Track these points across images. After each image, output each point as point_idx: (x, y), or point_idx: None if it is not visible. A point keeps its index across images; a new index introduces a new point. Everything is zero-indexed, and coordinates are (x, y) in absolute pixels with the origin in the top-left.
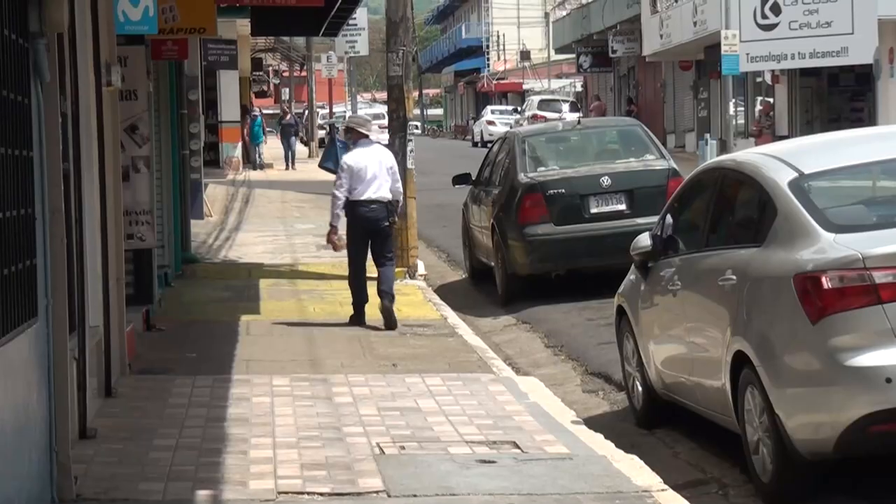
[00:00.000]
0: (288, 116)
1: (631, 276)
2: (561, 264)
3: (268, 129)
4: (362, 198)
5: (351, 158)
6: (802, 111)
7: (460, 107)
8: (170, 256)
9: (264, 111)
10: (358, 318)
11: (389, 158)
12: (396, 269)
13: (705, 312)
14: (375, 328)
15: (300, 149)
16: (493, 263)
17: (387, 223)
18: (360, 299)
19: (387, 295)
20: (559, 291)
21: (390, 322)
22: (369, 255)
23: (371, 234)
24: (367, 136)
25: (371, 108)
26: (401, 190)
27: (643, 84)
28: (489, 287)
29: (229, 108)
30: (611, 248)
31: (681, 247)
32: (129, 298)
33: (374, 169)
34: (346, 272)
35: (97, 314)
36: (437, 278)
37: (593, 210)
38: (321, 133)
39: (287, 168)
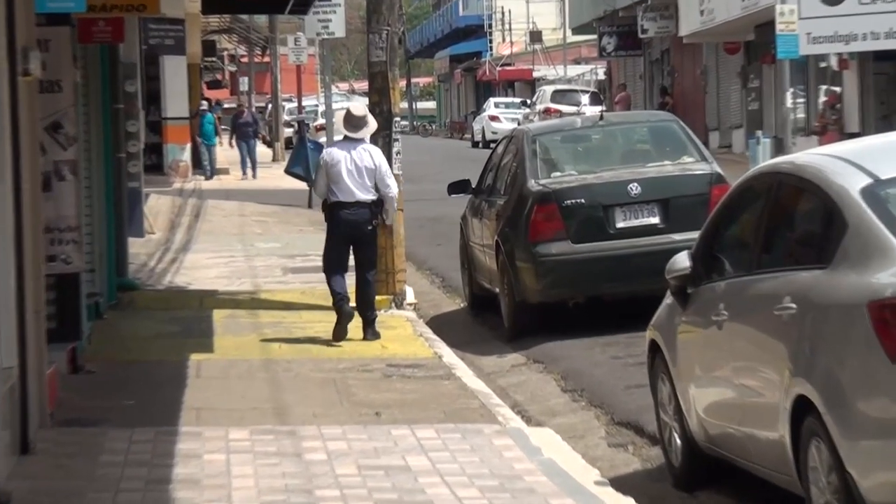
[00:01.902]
0: (245, 113)
1: (666, 304)
2: (580, 290)
3: (223, 127)
4: (342, 199)
5: (328, 153)
6: (877, 103)
7: (457, 99)
8: (102, 282)
9: (224, 105)
10: (339, 332)
11: (375, 157)
12: (380, 297)
13: (758, 349)
14: (350, 339)
15: (262, 151)
16: (497, 289)
17: (370, 226)
18: (342, 306)
19: (369, 321)
20: (578, 323)
21: (371, 335)
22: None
23: (353, 239)
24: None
25: (348, 102)
26: (393, 190)
27: (680, 70)
28: (493, 318)
29: (175, 102)
30: (641, 270)
31: (727, 269)
32: (52, 334)
33: (352, 167)
34: (319, 301)
35: (10, 353)
36: (429, 308)
37: (619, 224)
38: (288, 132)
39: (245, 176)
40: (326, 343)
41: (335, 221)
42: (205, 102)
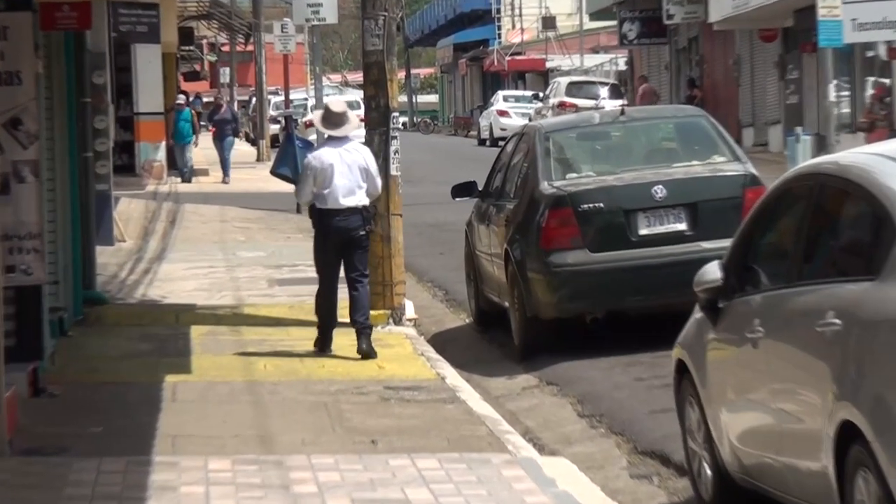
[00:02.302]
0: (223, 108)
1: (695, 320)
2: (599, 304)
3: (202, 123)
4: (331, 206)
5: (315, 157)
6: None
7: (462, 92)
8: (67, 296)
9: (203, 99)
10: (323, 342)
11: (365, 157)
12: (377, 312)
13: (798, 369)
14: (344, 357)
15: (245, 150)
16: (506, 304)
17: (363, 232)
18: (327, 323)
19: (364, 329)
20: (596, 341)
21: (370, 353)
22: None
23: (344, 247)
24: (341, 132)
25: (341, 95)
26: (378, 186)
27: (710, 60)
28: (502, 335)
29: (148, 96)
30: (667, 282)
31: (763, 280)
32: (10, 353)
33: (344, 170)
34: (309, 316)
35: None
36: (431, 324)
37: (642, 231)
38: (274, 129)
39: (227, 179)
40: (317, 363)
41: (324, 230)
42: (181, 96)
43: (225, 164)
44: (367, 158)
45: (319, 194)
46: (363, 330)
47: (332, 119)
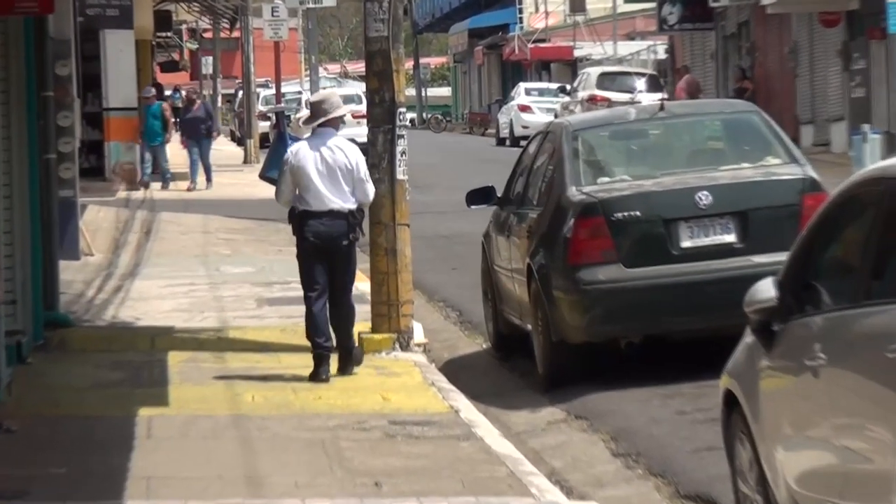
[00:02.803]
0: (196, 105)
1: (745, 345)
2: (635, 327)
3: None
4: (312, 208)
5: (293, 154)
6: None
7: (478, 84)
8: (25, 318)
9: (183, 92)
10: (318, 371)
11: (351, 154)
12: (381, 336)
13: (866, 401)
14: (343, 388)
15: (231, 151)
16: (529, 326)
17: (346, 241)
18: (319, 342)
19: (345, 353)
20: (632, 369)
21: (347, 366)
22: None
23: (327, 253)
24: (334, 123)
25: (340, 88)
26: (367, 194)
27: (762, 48)
28: (524, 362)
29: (120, 89)
30: (713, 302)
31: (825, 300)
32: None
33: (323, 168)
34: (303, 340)
35: None
36: (443, 349)
37: (685, 243)
38: (264, 126)
39: (192, 186)
40: (312, 394)
41: (304, 235)
42: (151, 89)
43: (204, 170)
44: (354, 158)
45: (300, 195)
46: (348, 352)
47: (312, 110)
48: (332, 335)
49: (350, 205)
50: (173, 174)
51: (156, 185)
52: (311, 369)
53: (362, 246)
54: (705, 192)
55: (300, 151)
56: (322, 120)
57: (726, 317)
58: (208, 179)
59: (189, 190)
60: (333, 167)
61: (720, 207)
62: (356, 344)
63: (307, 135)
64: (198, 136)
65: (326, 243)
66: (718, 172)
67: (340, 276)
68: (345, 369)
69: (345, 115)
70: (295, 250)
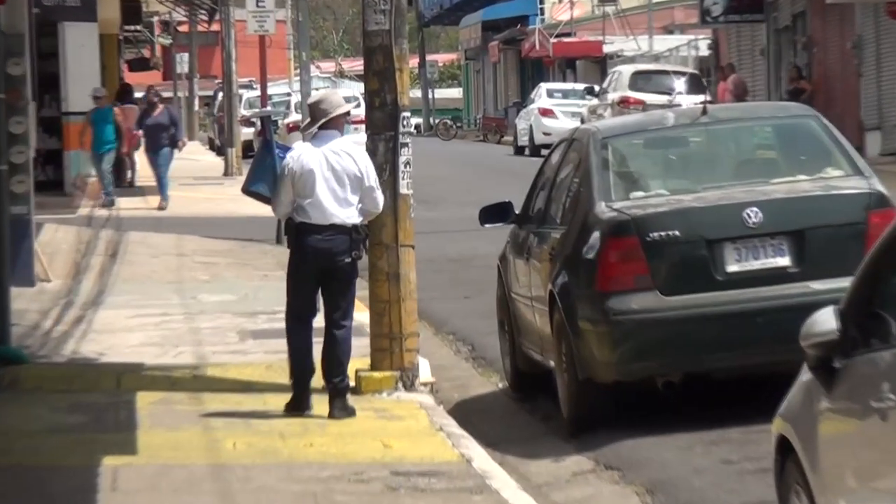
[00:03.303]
0: (159, 110)
1: (802, 384)
2: (674, 364)
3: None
4: (313, 221)
5: (295, 159)
6: None
7: (493, 85)
8: None
9: (160, 92)
10: (297, 402)
11: (359, 160)
12: (382, 374)
13: None
14: (338, 432)
15: (210, 162)
16: (552, 363)
17: (349, 259)
18: (301, 370)
19: (338, 393)
20: (671, 412)
21: (340, 410)
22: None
23: (324, 273)
24: (337, 124)
25: (335, 89)
26: (378, 203)
27: (821, 43)
28: (546, 404)
29: (81, 90)
30: (764, 334)
31: (895, 332)
32: None
33: (330, 176)
34: (288, 378)
35: None
36: (453, 389)
37: (731, 268)
38: (247, 133)
39: (163, 204)
40: (303, 440)
41: (302, 251)
42: (100, 88)
43: (161, 184)
44: (362, 163)
45: (299, 205)
46: (338, 393)
47: (312, 115)
48: (313, 361)
49: (354, 219)
50: (142, 188)
51: (126, 201)
52: (301, 411)
53: (360, 270)
54: (755, 209)
55: (304, 155)
56: (323, 121)
57: (779, 352)
58: (162, 195)
59: (160, 208)
60: (341, 174)
61: (772, 226)
62: (347, 384)
63: (298, 143)
64: (158, 145)
65: (325, 261)
66: (770, 186)
67: (338, 299)
68: (336, 409)
69: (349, 114)
70: (281, 274)
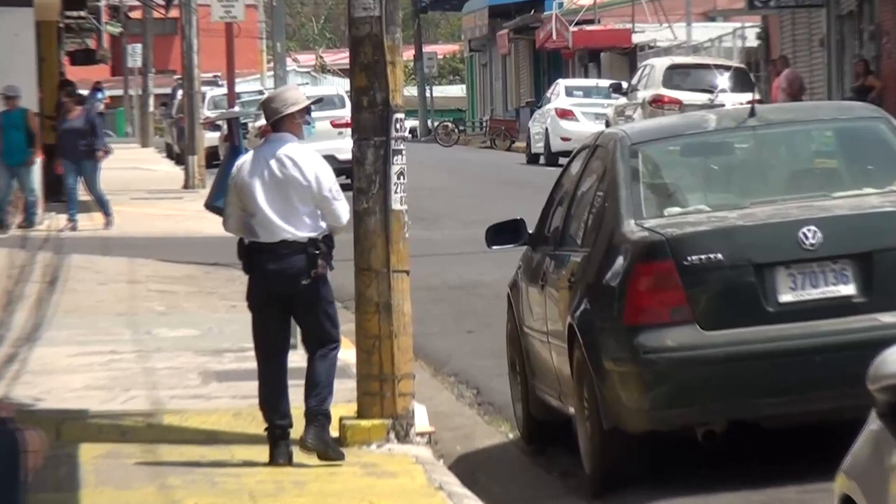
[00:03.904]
0: (76, 112)
1: (870, 434)
2: (716, 410)
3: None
4: (261, 239)
5: (237, 169)
6: None
7: (502, 81)
8: None
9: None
10: (274, 454)
11: (305, 167)
12: (371, 423)
13: None
14: (302, 466)
15: (167, 173)
16: (571, 409)
17: (307, 279)
18: (270, 418)
19: (316, 417)
20: (713, 468)
21: (320, 451)
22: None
23: (284, 299)
24: (290, 125)
25: (315, 89)
26: (339, 215)
27: (892, 32)
28: (565, 458)
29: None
30: (823, 376)
31: None
32: None
33: (273, 188)
34: (262, 427)
35: None
36: (455, 440)
37: (784, 297)
38: (212, 138)
39: (71, 224)
40: (277, 500)
41: (254, 275)
42: (16, 87)
43: (100, 201)
44: (310, 170)
45: (247, 223)
46: (314, 417)
47: (264, 114)
48: (289, 408)
49: (308, 232)
50: (86, 202)
51: (59, 217)
52: (271, 467)
53: (346, 301)
54: (813, 228)
55: (245, 164)
56: (273, 121)
57: (842, 396)
58: (105, 214)
59: (105, 227)
60: (284, 184)
61: (834, 248)
62: (329, 411)
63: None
64: (75, 155)
65: (280, 285)
66: (831, 201)
67: (310, 327)
68: (309, 438)
69: (309, 113)
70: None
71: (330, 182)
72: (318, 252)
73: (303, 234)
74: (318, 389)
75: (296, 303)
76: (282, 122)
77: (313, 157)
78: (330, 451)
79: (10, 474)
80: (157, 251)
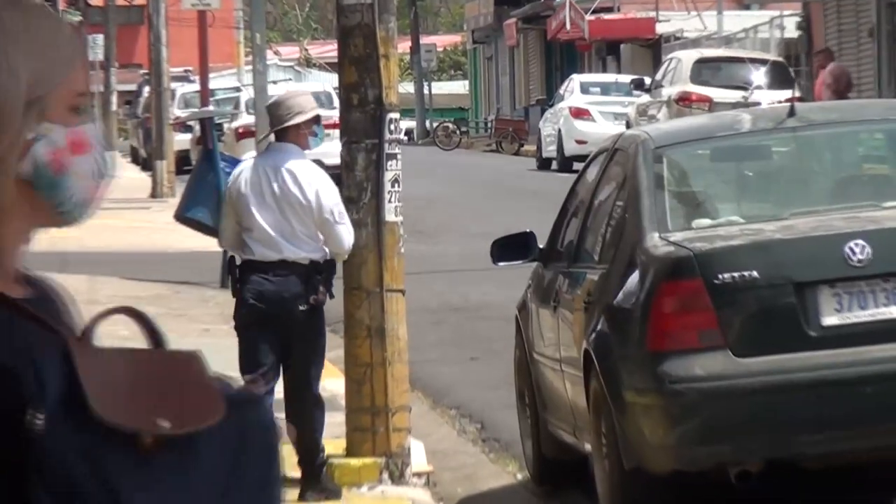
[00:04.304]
0: None
1: None
2: (751, 449)
3: None
4: (257, 257)
5: (234, 178)
6: None
7: (510, 77)
8: None
9: None
10: None
11: (307, 183)
12: (362, 462)
13: None
14: None
15: (131, 179)
16: (587, 446)
17: (305, 305)
18: None
19: (309, 465)
20: None
21: (313, 492)
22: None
23: (277, 324)
24: (296, 136)
25: (299, 85)
26: (342, 241)
27: None
28: (580, 501)
29: None
30: (872, 409)
31: None
32: None
33: (272, 202)
34: None
35: None
36: (456, 480)
37: (829, 320)
38: (182, 140)
39: None
40: None
41: (243, 296)
42: None
43: None
44: (311, 189)
45: (243, 238)
46: (309, 471)
47: (269, 114)
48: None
49: (309, 254)
50: None
51: None
52: None
53: (334, 324)
54: (861, 242)
55: (243, 174)
56: (276, 129)
57: (894, 433)
58: None
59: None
60: (282, 201)
61: (884, 265)
62: (323, 460)
63: (250, 153)
64: None
65: (275, 309)
66: (882, 211)
67: (299, 359)
68: (309, 495)
69: (318, 123)
70: (227, 329)
71: (332, 203)
72: (319, 276)
73: (304, 254)
74: (312, 444)
75: (290, 330)
76: (286, 131)
77: (316, 173)
78: (331, 495)
79: (272, 471)
80: (121, 268)
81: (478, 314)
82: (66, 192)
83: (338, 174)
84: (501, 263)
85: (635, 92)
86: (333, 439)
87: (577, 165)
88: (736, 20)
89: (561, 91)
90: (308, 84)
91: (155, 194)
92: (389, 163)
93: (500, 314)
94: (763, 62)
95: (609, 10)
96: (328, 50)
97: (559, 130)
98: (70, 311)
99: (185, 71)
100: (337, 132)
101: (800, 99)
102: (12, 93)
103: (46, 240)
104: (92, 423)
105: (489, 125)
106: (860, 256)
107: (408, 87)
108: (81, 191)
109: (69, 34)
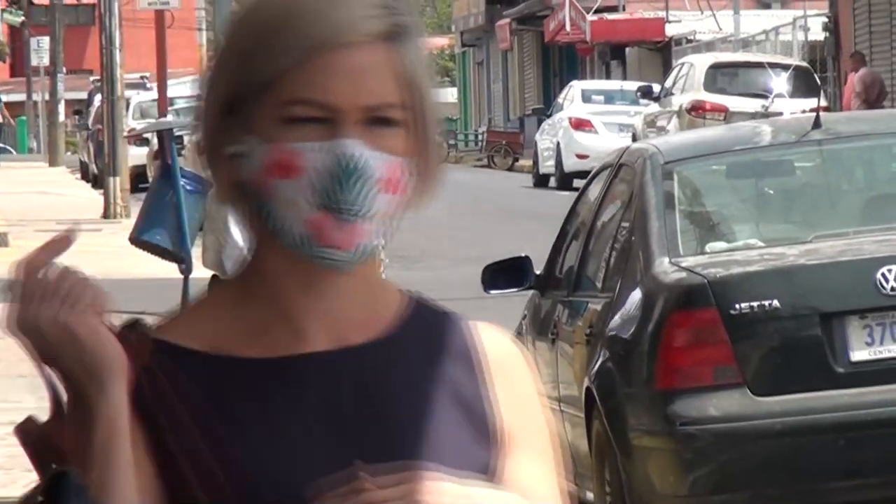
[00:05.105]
0: None
1: None
2: (772, 497)
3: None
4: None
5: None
6: None
7: (503, 83)
8: None
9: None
10: None
11: None
12: None
13: None
14: None
15: (79, 199)
16: (589, 494)
17: None
18: None
19: None
20: None
21: None
22: None
23: None
24: None
25: None
26: None
27: None
28: None
29: None
30: None
31: None
32: None
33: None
34: None
35: None
36: None
37: (858, 355)
38: (138, 154)
39: None
40: None
41: None
42: None
43: None
44: None
45: (226, 259)
46: None
47: None
48: None
49: None
50: None
51: None
52: None
53: None
54: (894, 268)
55: None
56: None
57: None
58: None
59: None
60: None
61: None
62: None
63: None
64: None
65: None
66: None
67: None
68: None
69: None
70: None
71: None
72: None
73: None
74: None
75: None
76: None
77: None
78: None
79: None
80: None
81: None
82: None
83: None
84: (494, 292)
85: (642, 100)
86: None
87: (578, 183)
88: (755, 21)
89: (560, 100)
90: None
91: (107, 215)
92: None
93: None
94: (785, 67)
95: (613, 9)
96: None
97: (558, 144)
98: None
99: (142, 77)
100: None
101: (826, 108)
102: None
103: None
104: None
105: (480, 138)
106: (893, 284)
107: None
108: None
109: None
